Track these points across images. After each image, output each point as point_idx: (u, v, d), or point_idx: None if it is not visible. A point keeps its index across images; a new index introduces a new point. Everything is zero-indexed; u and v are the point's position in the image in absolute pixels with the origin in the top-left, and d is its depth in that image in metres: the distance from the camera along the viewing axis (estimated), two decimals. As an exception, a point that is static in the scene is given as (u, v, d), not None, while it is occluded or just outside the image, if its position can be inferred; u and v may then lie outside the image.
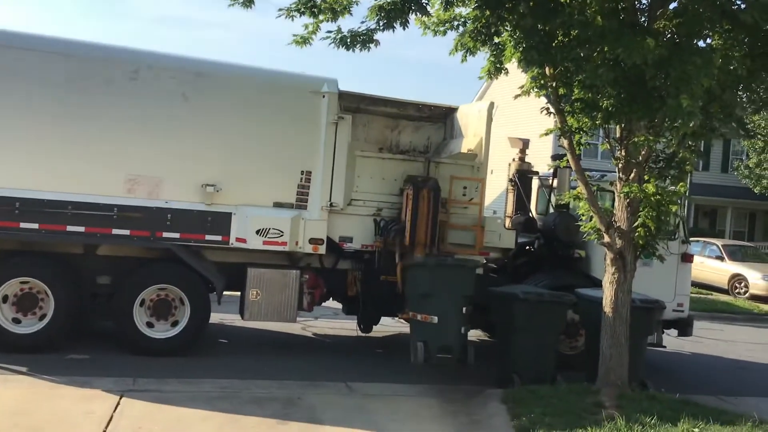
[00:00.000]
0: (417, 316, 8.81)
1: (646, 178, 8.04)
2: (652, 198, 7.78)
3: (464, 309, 8.85)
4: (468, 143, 10.75)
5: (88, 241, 9.04)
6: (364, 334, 11.03)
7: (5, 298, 8.78)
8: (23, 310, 8.83)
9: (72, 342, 9.10)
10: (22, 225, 8.65)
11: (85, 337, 9.56)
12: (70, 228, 8.79)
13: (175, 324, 9.27)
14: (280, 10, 7.81)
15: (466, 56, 8.16)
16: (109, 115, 8.96)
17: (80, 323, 9.28)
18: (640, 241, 8.07)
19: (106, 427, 6.49)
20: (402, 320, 10.57)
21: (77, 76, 8.89)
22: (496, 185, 14.61)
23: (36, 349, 8.71)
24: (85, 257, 9.19)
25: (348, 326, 11.84)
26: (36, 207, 8.66)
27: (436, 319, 8.65)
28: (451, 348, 8.71)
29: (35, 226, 8.69)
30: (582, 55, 7.40)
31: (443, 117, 11.60)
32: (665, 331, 10.96)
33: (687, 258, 11.14)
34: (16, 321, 8.82)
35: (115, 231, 8.94)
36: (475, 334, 12.43)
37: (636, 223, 8.01)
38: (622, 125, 8.03)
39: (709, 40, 7.81)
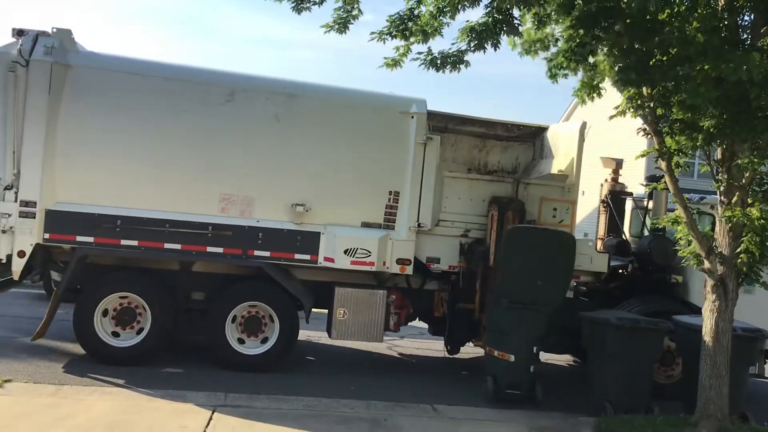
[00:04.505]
0: None
1: (750, 201, 7.67)
2: (757, 223, 7.39)
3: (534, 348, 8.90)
4: (559, 164, 10.55)
5: (184, 258, 9.30)
6: (450, 356, 10.92)
7: (105, 312, 9.12)
8: (122, 324, 9.16)
9: (167, 356, 9.39)
10: (123, 242, 9.00)
11: (179, 351, 9.84)
12: (167, 245, 9.08)
13: (265, 341, 9.44)
14: (372, 33, 7.90)
15: (558, 77, 8.01)
16: (205, 137, 9.24)
17: (175, 337, 9.56)
18: (743, 268, 7.68)
19: (200, 442, 6.64)
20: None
21: (176, 98, 9.21)
22: (587, 206, 14.31)
23: (133, 362, 9.01)
24: (180, 274, 9.45)
25: (434, 346, 11.77)
26: (136, 225, 8.99)
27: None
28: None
29: (135, 243, 9.02)
30: (682, 74, 7.14)
31: (532, 137, 11.43)
32: (768, 361, 10.42)
33: (792, 285, 10.55)
34: (115, 335, 9.15)
35: (209, 249, 9.18)
36: (564, 359, 12.16)
37: (738, 249, 7.63)
38: (725, 147, 7.68)
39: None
